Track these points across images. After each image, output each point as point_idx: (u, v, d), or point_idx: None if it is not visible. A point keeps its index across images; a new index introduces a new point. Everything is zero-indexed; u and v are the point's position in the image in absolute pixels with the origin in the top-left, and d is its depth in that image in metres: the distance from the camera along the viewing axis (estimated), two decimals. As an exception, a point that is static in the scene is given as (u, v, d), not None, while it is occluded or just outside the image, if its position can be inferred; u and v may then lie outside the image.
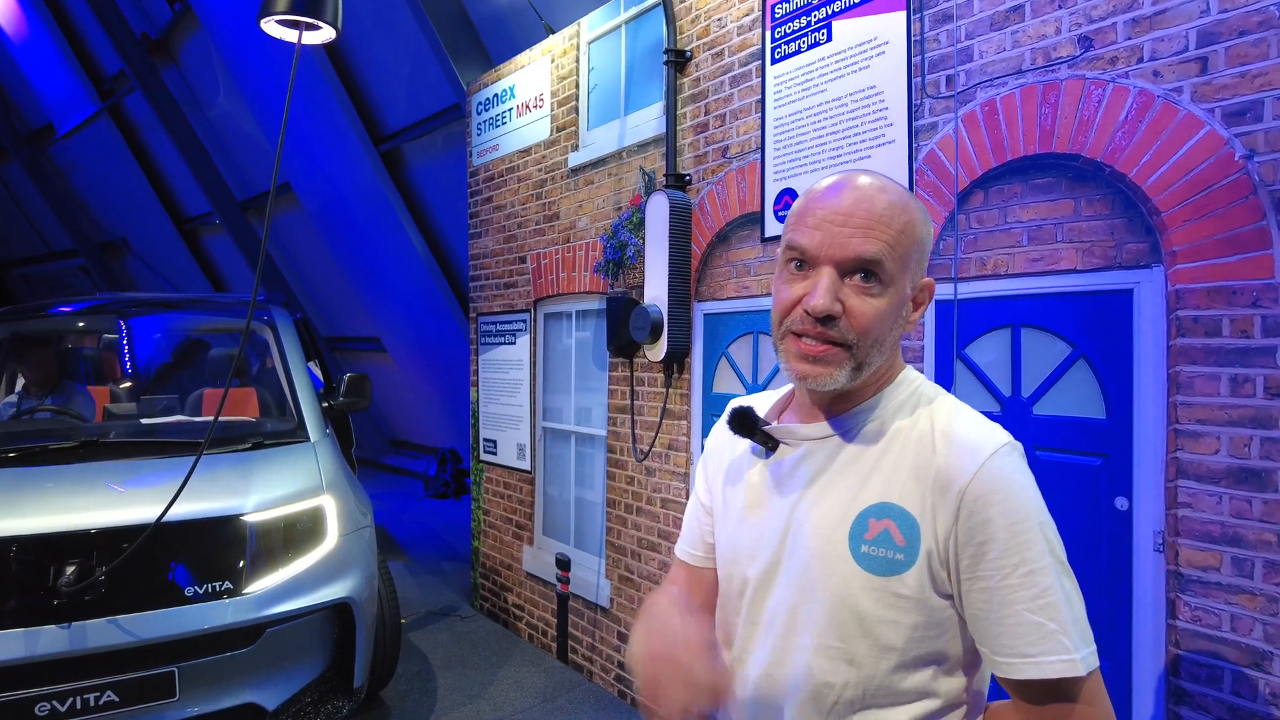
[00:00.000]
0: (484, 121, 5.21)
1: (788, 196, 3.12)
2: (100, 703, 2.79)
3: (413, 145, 7.81)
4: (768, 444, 1.17)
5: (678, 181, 3.61)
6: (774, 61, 3.18)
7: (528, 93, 4.74)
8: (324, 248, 9.97)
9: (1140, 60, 2.12)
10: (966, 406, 1.11)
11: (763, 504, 1.17)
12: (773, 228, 3.18)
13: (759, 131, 3.25)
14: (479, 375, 5.33)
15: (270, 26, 2.75)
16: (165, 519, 2.89)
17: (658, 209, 3.56)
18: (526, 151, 4.76)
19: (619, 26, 4.12)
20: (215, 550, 3.09)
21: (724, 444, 1.30)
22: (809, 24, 3.03)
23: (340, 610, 3.35)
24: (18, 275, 19.70)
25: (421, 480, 10.10)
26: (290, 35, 2.79)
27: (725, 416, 1.22)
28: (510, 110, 4.91)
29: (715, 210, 3.47)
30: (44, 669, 2.71)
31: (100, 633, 2.77)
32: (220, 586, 3.02)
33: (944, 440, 1.05)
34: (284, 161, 9.31)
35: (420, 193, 8.13)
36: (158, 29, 10.68)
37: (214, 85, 10.33)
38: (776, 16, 3.17)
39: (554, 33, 4.60)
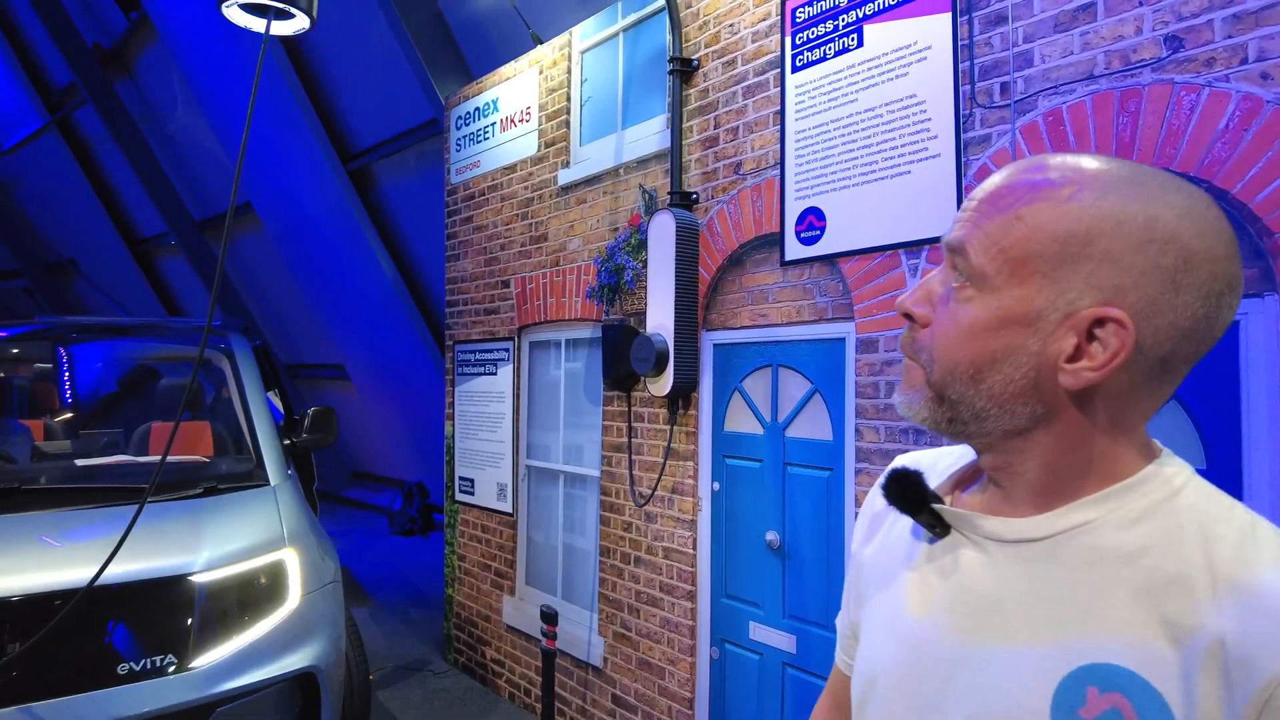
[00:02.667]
0: (464, 137, 4.87)
1: (812, 216, 2.83)
2: None
3: (383, 163, 7.44)
4: (936, 527, 0.81)
5: (683, 200, 3.30)
6: (795, 70, 2.90)
7: (513, 106, 4.42)
8: (286, 270, 9.50)
9: (1244, 61, 1.87)
10: (1270, 527, 0.68)
11: (920, 621, 0.80)
12: (795, 249, 2.88)
13: (778, 145, 2.96)
14: (455, 408, 4.94)
15: (234, 14, 2.39)
16: (99, 583, 2.46)
17: (662, 229, 3.25)
18: (511, 168, 4.43)
19: (616, 35, 3.83)
20: (157, 617, 2.66)
21: (880, 514, 0.94)
22: (836, 29, 2.76)
23: (304, 681, 2.94)
24: (-43, 297, 18.75)
25: (386, 515, 9.59)
26: (257, 24, 2.43)
27: (883, 478, 0.86)
28: (493, 125, 4.58)
29: (727, 231, 3.16)
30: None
31: (11, 723, 2.33)
32: (162, 661, 2.59)
33: (1233, 588, 0.64)
34: (246, 179, 8.86)
35: (391, 213, 7.74)
36: (111, 39, 10.20)
37: (172, 99, 9.87)
38: (798, 21, 2.90)
39: (542, 43, 4.30)
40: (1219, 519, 0.69)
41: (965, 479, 0.86)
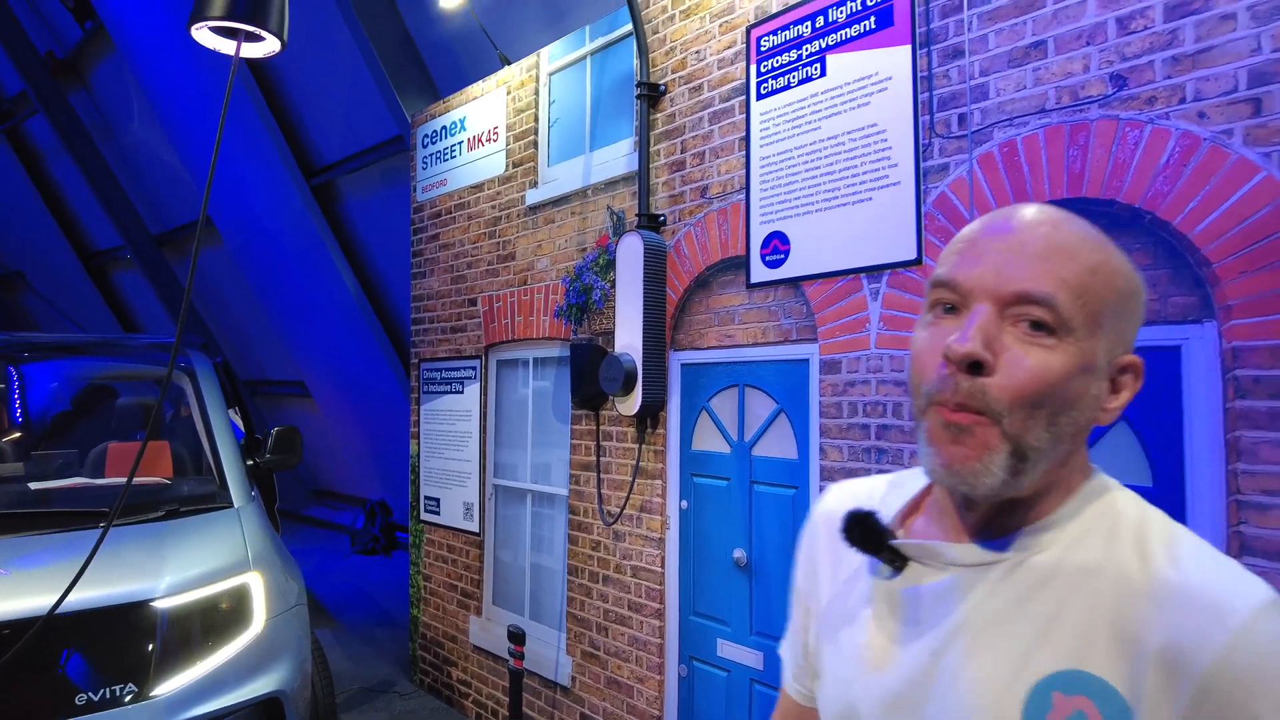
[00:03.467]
0: (430, 155, 4.87)
1: (776, 240, 2.89)
2: None
3: (348, 179, 7.39)
4: (895, 562, 0.84)
5: (651, 222, 3.35)
6: (760, 97, 2.98)
7: (480, 125, 4.44)
8: (247, 286, 9.35)
9: (1183, 100, 1.97)
10: (1193, 536, 0.76)
11: (891, 651, 0.84)
12: (760, 272, 2.94)
13: (743, 170, 3.02)
14: (421, 426, 4.91)
15: (203, 35, 2.38)
16: (55, 611, 2.41)
17: (631, 251, 3.29)
18: (479, 187, 4.45)
19: (584, 58, 3.88)
20: (117, 645, 2.61)
21: (827, 545, 0.97)
22: (800, 58, 2.84)
23: (269, 707, 2.90)
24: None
25: (348, 534, 9.45)
26: (227, 46, 2.42)
27: (836, 518, 0.90)
28: (461, 144, 4.59)
29: (694, 253, 3.22)
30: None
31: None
32: (122, 690, 2.54)
33: (1166, 590, 0.71)
34: (223, 201, 8.73)
35: (354, 229, 7.69)
36: (65, 49, 9.99)
37: (128, 111, 9.70)
38: (762, 50, 2.98)
39: (510, 63, 4.33)
40: (1150, 524, 0.76)
41: (911, 510, 0.90)
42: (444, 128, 4.75)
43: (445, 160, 4.72)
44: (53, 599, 2.38)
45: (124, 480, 3.53)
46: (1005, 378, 0.72)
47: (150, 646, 2.63)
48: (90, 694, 2.47)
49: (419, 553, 4.96)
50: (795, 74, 2.86)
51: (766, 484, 2.97)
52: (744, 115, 3.04)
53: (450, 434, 4.66)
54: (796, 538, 2.90)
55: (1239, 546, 1.87)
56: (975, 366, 0.73)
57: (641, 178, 3.38)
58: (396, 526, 8.88)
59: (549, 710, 3.88)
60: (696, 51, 3.25)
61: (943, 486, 0.82)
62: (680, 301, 3.27)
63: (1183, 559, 0.72)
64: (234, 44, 2.39)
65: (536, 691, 3.96)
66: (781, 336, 2.90)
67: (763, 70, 2.97)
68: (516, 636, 4.02)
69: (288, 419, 10.27)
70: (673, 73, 3.35)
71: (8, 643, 2.36)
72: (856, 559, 0.90)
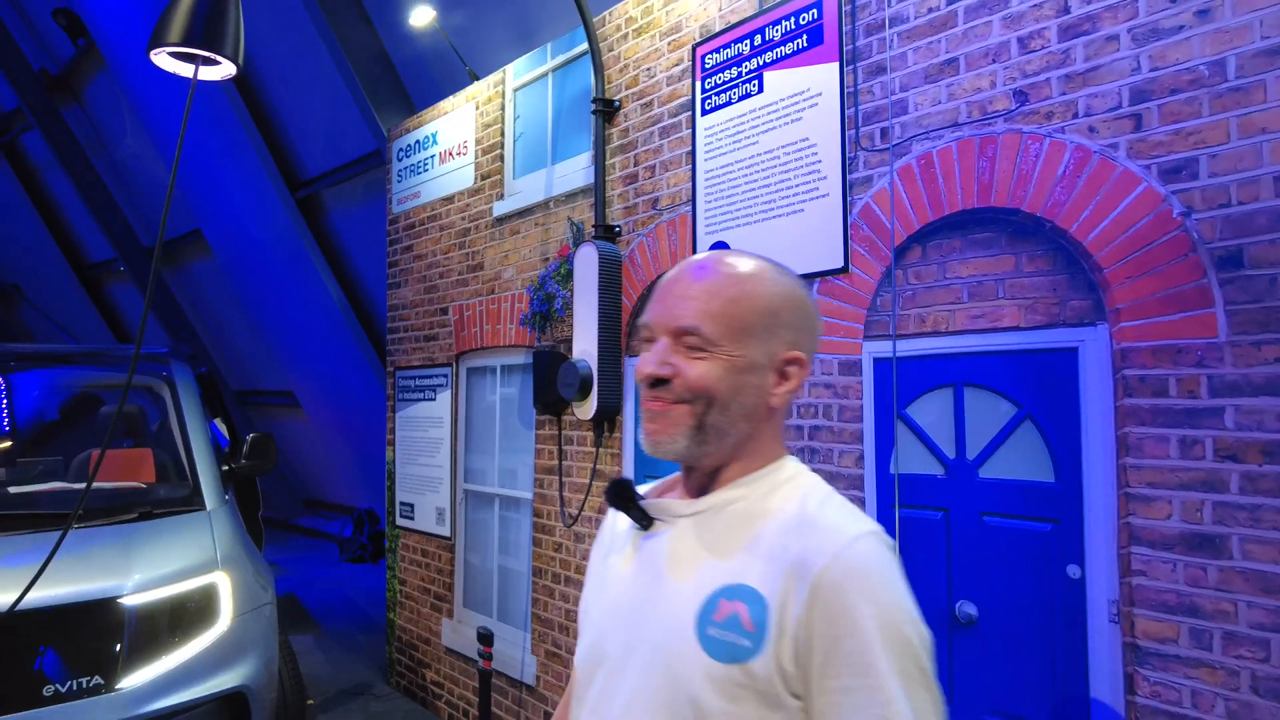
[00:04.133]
0: (405, 168, 5.01)
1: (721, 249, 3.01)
2: None
3: (331, 191, 7.53)
4: (644, 521, 1.10)
5: (607, 233, 3.48)
6: (704, 113, 3.11)
7: (451, 140, 4.58)
8: (236, 297, 9.49)
9: (1075, 116, 2.10)
10: (841, 498, 1.03)
11: (627, 582, 1.10)
12: (706, 281, 3.06)
13: (690, 183, 3.15)
14: (396, 434, 5.03)
15: (162, 60, 2.51)
16: (22, 606, 2.52)
17: (587, 260, 3.42)
18: (449, 199, 4.58)
19: (546, 75, 4.02)
20: (85, 640, 2.73)
21: (611, 523, 1.23)
22: (740, 75, 2.97)
23: (234, 700, 3.01)
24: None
25: (336, 543, 9.55)
26: (185, 70, 2.55)
27: (605, 493, 1.15)
28: (433, 157, 4.73)
29: (646, 263, 3.34)
30: None
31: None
32: (89, 682, 2.65)
33: (806, 524, 0.99)
34: (195, 207, 8.88)
35: (339, 241, 7.82)
36: (59, 65, 10.16)
37: (120, 126, 9.86)
38: (707, 67, 3.11)
39: (478, 79, 4.47)
40: (814, 489, 1.04)
41: (667, 488, 1.17)
42: (417, 142, 4.89)
43: (418, 173, 4.86)
44: (12, 596, 2.50)
45: (102, 484, 3.65)
46: (680, 381, 1.02)
47: (118, 641, 2.74)
48: (58, 686, 2.58)
49: (395, 557, 5.07)
50: (736, 90, 2.99)
51: (713, 484, 3.08)
52: (690, 130, 3.17)
53: (424, 440, 4.78)
54: None
55: (1128, 537, 1.98)
56: (658, 381, 1.02)
57: (598, 190, 3.51)
58: (383, 534, 8.96)
59: (515, 709, 3.98)
60: (648, 69, 3.38)
61: (649, 454, 1.07)
62: (635, 309, 3.39)
63: (825, 508, 1.00)
64: (191, 68, 2.53)
65: (504, 691, 4.06)
66: (726, 342, 3.01)
67: (707, 87, 3.10)
68: (485, 638, 4.12)
69: (278, 429, 10.38)
70: (626, 89, 3.48)
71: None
72: (626, 522, 1.15)
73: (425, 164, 4.79)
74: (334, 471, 10.03)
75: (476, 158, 4.38)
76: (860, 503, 2.55)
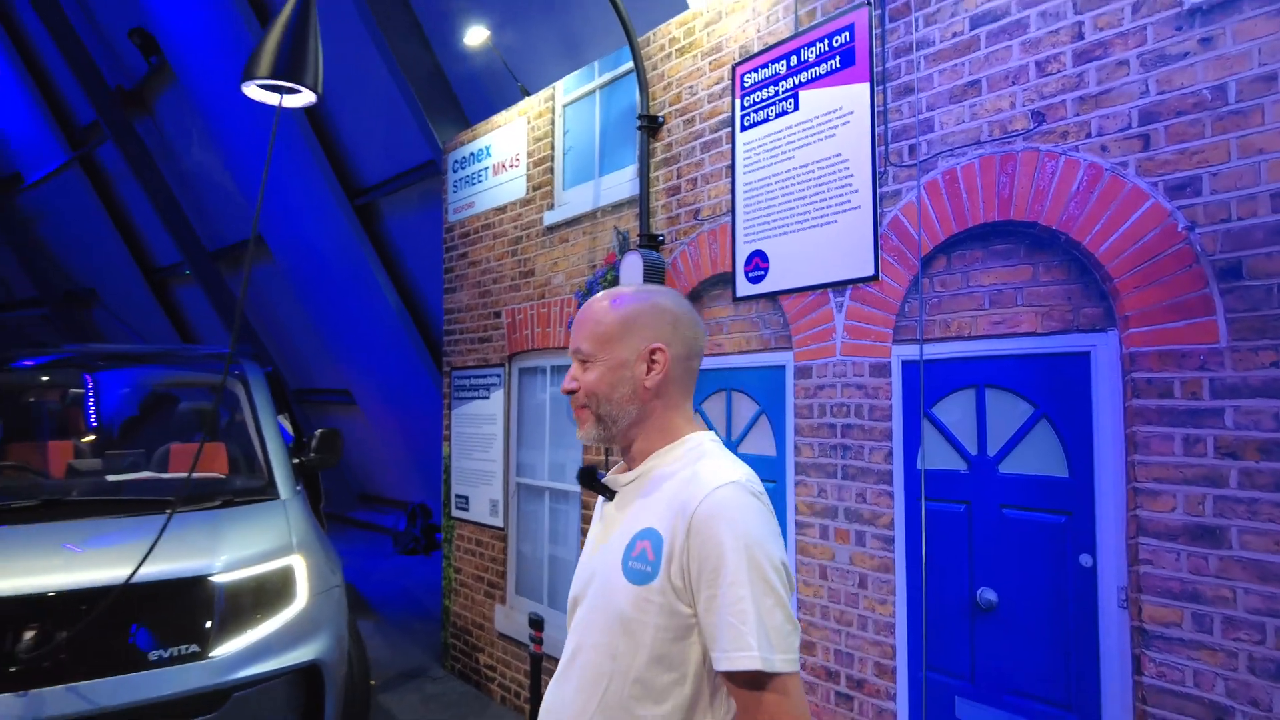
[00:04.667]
0: (460, 179, 5.29)
1: (758, 259, 3.21)
2: None
3: (388, 199, 7.88)
4: (607, 493, 1.47)
5: (651, 241, 3.69)
6: (744, 129, 3.30)
7: (504, 152, 4.84)
8: (296, 300, 9.93)
9: (1089, 135, 2.25)
10: (731, 458, 1.38)
11: (595, 539, 1.47)
12: (744, 288, 3.26)
13: (730, 195, 3.35)
14: (452, 430, 5.31)
15: (251, 91, 2.80)
16: (132, 581, 2.83)
17: (632, 267, 3.64)
18: (502, 209, 4.84)
19: (593, 91, 4.25)
20: (182, 612, 3.03)
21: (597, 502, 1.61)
22: (777, 94, 3.16)
23: (309, 673, 3.28)
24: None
25: (391, 536, 9.93)
26: (271, 99, 2.84)
27: (583, 480, 1.52)
28: (486, 169, 5.00)
29: (688, 269, 3.55)
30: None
31: (59, 700, 2.69)
32: (186, 650, 2.95)
33: (692, 478, 1.32)
34: (272, 221, 9.33)
35: (394, 246, 8.18)
36: (133, 81, 10.73)
37: (187, 137, 10.38)
38: (746, 86, 3.30)
39: (529, 95, 4.72)
40: (711, 453, 1.37)
41: (616, 471, 1.51)
42: (472, 154, 5.16)
43: (473, 184, 5.13)
44: (124, 572, 2.82)
45: (185, 474, 3.98)
46: (581, 389, 1.41)
47: (210, 614, 3.04)
48: (161, 652, 2.89)
49: (450, 547, 5.35)
50: (773, 108, 3.18)
51: (751, 478, 3.27)
52: (730, 145, 3.36)
53: (478, 436, 5.05)
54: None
55: (1136, 528, 2.13)
56: (572, 393, 1.42)
57: (642, 201, 3.72)
58: (435, 528, 9.33)
59: (564, 689, 4.22)
60: (690, 87, 3.59)
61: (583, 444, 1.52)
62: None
63: (706, 466, 1.33)
64: (277, 97, 2.81)
65: (553, 673, 4.30)
66: (762, 345, 3.21)
67: (746, 104, 3.30)
68: (536, 623, 4.37)
69: (335, 425, 10.82)
70: (670, 105, 3.69)
71: (82, 610, 2.79)
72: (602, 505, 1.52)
73: (479, 175, 5.06)
74: (388, 467, 10.43)
75: (528, 170, 4.63)
76: (889, 496, 2.72)
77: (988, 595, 2.46)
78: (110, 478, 4.03)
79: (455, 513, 5.27)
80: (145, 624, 2.95)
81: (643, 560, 1.30)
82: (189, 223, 11.23)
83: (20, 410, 5.30)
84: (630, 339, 1.38)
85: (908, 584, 2.66)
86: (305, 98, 2.87)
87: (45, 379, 5.25)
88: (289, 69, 2.75)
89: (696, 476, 1.30)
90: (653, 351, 1.39)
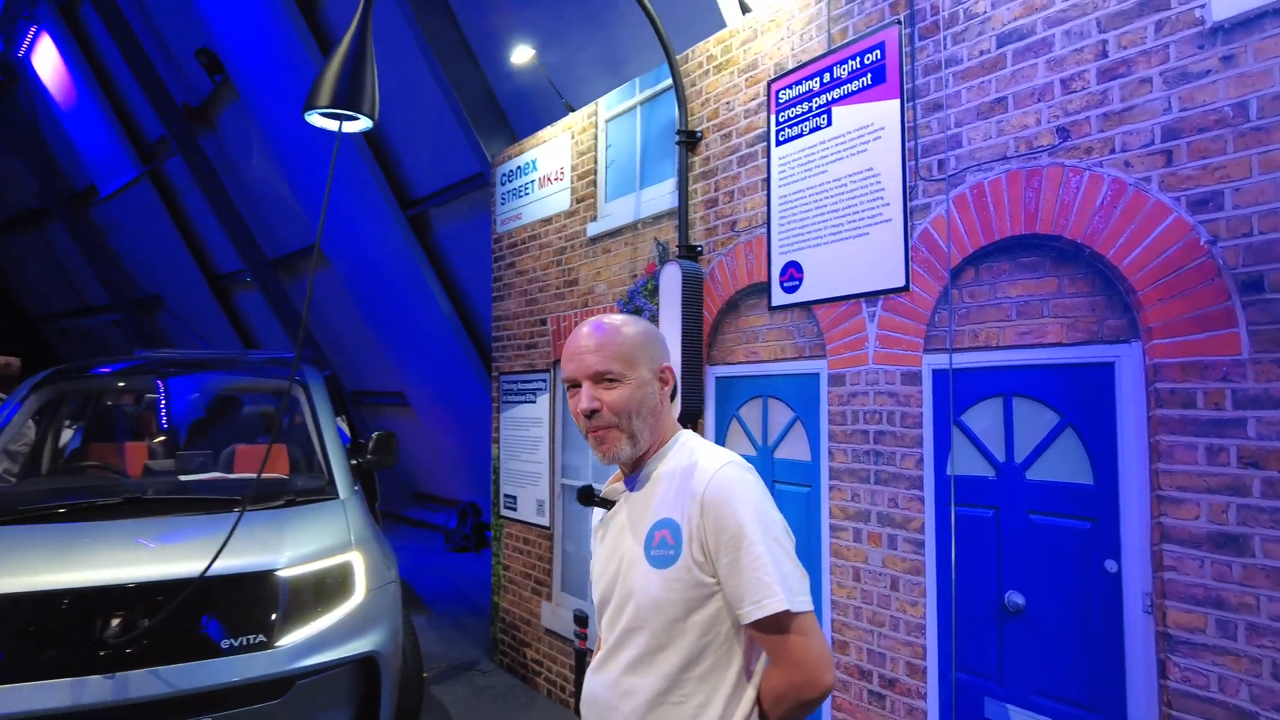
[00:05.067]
0: (508, 192, 5.48)
1: (792, 269, 3.30)
2: None
3: (439, 210, 8.14)
4: (606, 505, 1.67)
5: (690, 252, 3.81)
6: (779, 144, 3.40)
7: (549, 166, 5.00)
8: (352, 305, 10.29)
9: (1112, 151, 2.30)
10: (715, 447, 1.59)
11: (608, 545, 1.63)
12: (779, 297, 3.36)
13: (765, 208, 3.45)
14: (500, 432, 5.50)
15: (314, 119, 3.01)
16: (193, 578, 3.05)
17: (671, 278, 3.76)
18: (548, 221, 5.01)
19: (635, 107, 4.38)
20: (250, 604, 3.24)
21: (594, 519, 1.76)
22: (811, 109, 3.25)
23: (367, 664, 3.47)
24: (55, 330, 20.31)
25: (442, 533, 10.22)
26: (332, 125, 3.04)
27: (583, 500, 1.70)
28: (533, 182, 5.17)
29: (725, 279, 3.66)
30: (87, 718, 2.85)
31: (141, 683, 2.92)
32: (254, 639, 3.16)
33: (692, 468, 1.53)
34: (315, 223, 9.69)
35: (445, 255, 8.44)
36: (198, 98, 11.22)
37: (248, 151, 10.82)
38: (781, 101, 3.40)
39: (574, 110, 4.88)
40: (700, 447, 1.58)
41: (612, 482, 1.70)
42: (519, 167, 5.34)
43: (520, 196, 5.31)
44: (197, 565, 3.04)
45: (251, 475, 4.23)
46: (606, 408, 1.53)
47: (275, 606, 3.25)
48: (231, 641, 3.10)
49: (499, 545, 5.54)
50: (807, 123, 3.27)
51: (786, 483, 3.37)
52: (765, 159, 3.46)
53: (525, 439, 5.22)
54: (810, 529, 3.38)
55: (1160, 535, 2.18)
56: (592, 414, 1.53)
57: (681, 213, 3.84)
58: (486, 526, 9.57)
59: (607, 685, 4.35)
60: (727, 103, 3.70)
61: (605, 464, 1.61)
62: (714, 321, 3.71)
63: (701, 454, 1.55)
64: (337, 124, 3.01)
65: (597, 669, 4.44)
66: (797, 353, 3.30)
67: (781, 120, 3.40)
68: (580, 619, 4.52)
69: (389, 427, 11.15)
70: (707, 121, 3.80)
71: (160, 600, 3.02)
72: (598, 513, 1.71)
73: (526, 188, 5.24)
74: (440, 467, 10.72)
75: (572, 183, 4.79)
76: (920, 501, 2.79)
77: (1015, 598, 2.52)
78: (181, 477, 4.30)
79: (504, 512, 5.46)
80: (216, 615, 3.17)
81: (664, 546, 1.49)
82: (250, 232, 11.70)
83: (100, 414, 5.66)
84: (646, 359, 1.56)
85: (938, 586, 2.74)
86: (362, 124, 3.07)
87: (121, 384, 5.58)
88: (348, 98, 2.95)
89: (696, 465, 1.51)
90: (663, 370, 1.60)
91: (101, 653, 2.90)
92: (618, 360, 1.53)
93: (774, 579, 1.40)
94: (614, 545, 1.60)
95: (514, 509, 5.34)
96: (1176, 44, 2.19)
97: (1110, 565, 2.31)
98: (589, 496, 1.67)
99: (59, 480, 4.52)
